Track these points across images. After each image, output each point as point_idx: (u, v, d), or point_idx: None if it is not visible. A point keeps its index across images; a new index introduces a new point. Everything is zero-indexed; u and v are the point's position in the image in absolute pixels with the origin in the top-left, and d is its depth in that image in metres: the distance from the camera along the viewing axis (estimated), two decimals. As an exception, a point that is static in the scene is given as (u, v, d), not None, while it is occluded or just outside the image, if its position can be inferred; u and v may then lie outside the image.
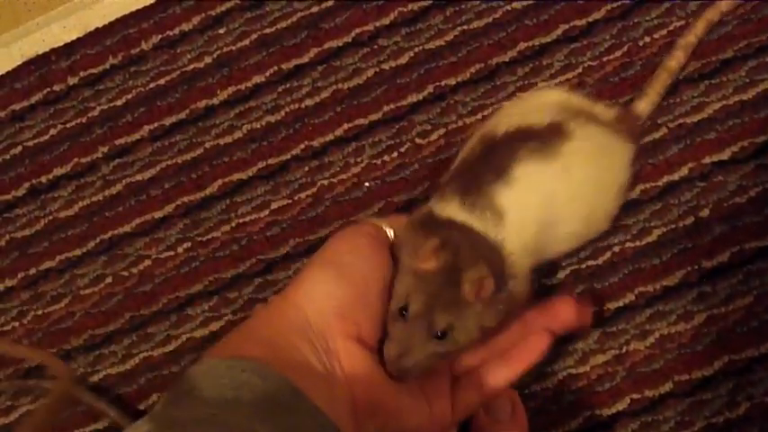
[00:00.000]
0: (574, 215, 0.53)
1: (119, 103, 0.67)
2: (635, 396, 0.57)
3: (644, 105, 0.59)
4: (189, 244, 0.64)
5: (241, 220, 0.63)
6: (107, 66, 0.67)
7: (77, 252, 0.65)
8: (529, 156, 0.50)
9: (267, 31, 0.66)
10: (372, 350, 0.46)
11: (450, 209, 0.50)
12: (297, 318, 0.43)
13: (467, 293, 0.46)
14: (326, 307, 0.44)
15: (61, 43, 0.68)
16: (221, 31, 0.67)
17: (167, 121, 0.66)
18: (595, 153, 0.53)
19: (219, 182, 0.64)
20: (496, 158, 0.51)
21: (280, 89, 0.65)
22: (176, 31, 0.67)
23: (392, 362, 0.46)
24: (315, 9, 0.66)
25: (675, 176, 0.59)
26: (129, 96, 0.67)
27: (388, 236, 0.49)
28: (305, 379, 0.40)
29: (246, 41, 0.66)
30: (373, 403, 0.44)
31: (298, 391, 0.39)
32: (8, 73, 0.68)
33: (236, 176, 0.64)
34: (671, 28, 0.62)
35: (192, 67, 0.67)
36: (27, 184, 0.66)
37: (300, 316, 0.43)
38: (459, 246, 0.47)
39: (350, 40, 0.65)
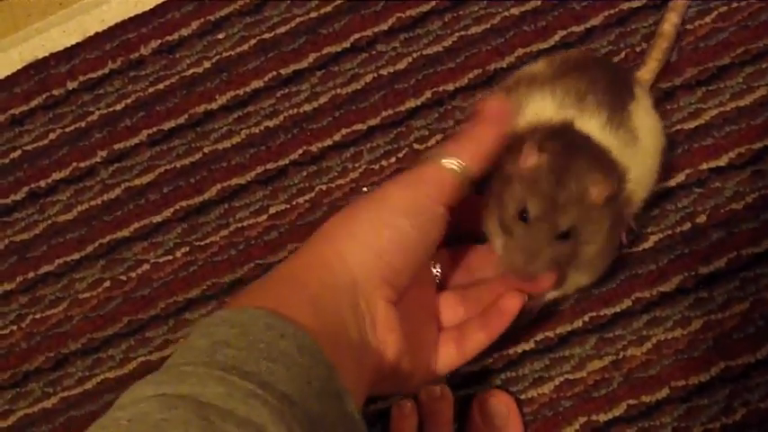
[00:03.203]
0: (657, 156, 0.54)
1: (118, 107, 0.67)
2: (632, 402, 0.57)
3: (646, 73, 0.59)
4: (187, 248, 0.64)
5: (239, 225, 0.63)
6: (106, 70, 0.68)
7: (76, 256, 0.65)
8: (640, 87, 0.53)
9: (266, 36, 0.67)
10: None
11: (573, 118, 0.50)
12: (344, 275, 0.42)
13: (592, 194, 0.46)
14: (375, 271, 0.42)
15: (61, 48, 0.69)
16: (220, 36, 0.67)
17: (166, 126, 0.66)
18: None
19: (218, 186, 0.64)
20: (618, 78, 0.52)
21: (278, 94, 0.65)
22: (175, 36, 0.67)
23: (520, 269, 0.46)
24: (313, 14, 0.66)
25: (672, 182, 0.59)
26: (128, 101, 0.67)
27: (454, 179, 0.45)
28: (339, 353, 0.39)
29: (245, 46, 0.67)
30: (393, 368, 0.44)
31: (333, 373, 0.37)
32: (8, 77, 0.69)
33: (234, 181, 0.64)
34: (668, 34, 0.62)
35: (190, 71, 0.67)
36: (26, 189, 0.66)
37: (348, 275, 0.42)
38: (568, 148, 0.47)
39: (348, 45, 0.66)
